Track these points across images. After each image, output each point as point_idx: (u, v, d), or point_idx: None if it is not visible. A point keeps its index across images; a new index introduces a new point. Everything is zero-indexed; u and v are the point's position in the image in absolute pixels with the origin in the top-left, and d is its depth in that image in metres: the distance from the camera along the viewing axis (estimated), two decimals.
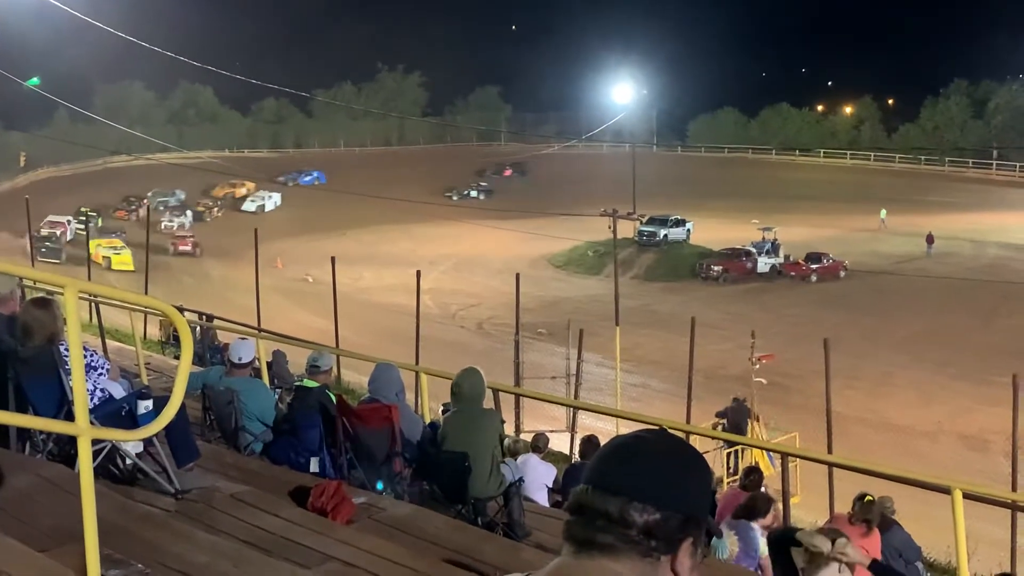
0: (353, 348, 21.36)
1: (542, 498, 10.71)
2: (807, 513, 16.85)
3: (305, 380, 9.70)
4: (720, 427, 21.89)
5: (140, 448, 6.55)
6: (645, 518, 1.81)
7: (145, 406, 6.54)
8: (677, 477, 1.85)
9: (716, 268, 57.46)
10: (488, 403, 9.68)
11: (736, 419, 22.71)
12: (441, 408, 10.63)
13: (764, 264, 57.89)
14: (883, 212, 71.36)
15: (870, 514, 8.69)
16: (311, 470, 8.44)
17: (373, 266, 56.86)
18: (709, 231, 64.26)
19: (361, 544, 6.00)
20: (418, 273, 25.53)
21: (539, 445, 12.40)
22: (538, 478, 10.84)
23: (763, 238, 59.78)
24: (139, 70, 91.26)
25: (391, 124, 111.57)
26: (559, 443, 20.52)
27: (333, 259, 28.01)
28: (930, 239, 63.32)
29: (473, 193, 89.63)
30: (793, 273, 56.98)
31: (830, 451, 17.12)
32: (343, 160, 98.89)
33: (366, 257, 59.22)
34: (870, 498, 8.85)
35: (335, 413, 8.58)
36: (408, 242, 66.02)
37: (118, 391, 7.21)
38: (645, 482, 1.83)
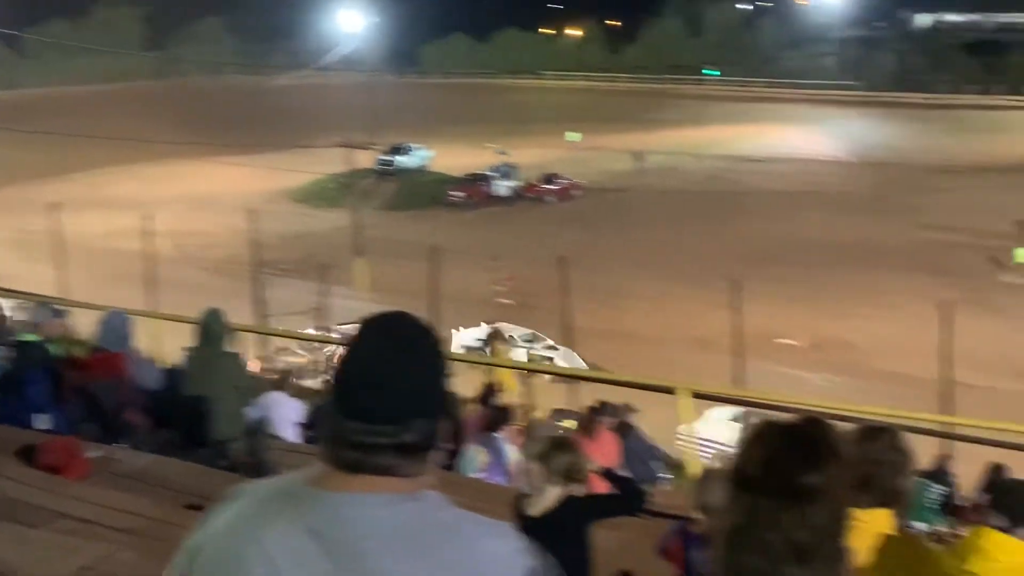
0: (84, 297, 20.37)
1: (291, 435, 10.59)
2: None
3: (25, 335, 9.16)
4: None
5: None
6: (400, 439, 1.80)
7: None
8: (423, 388, 1.84)
9: (457, 195, 57.93)
10: (234, 344, 9.43)
11: (489, 341, 23.14)
12: (183, 352, 10.31)
13: (503, 188, 58.80)
14: (573, 135, 72.34)
15: (595, 421, 9.05)
16: (39, 427, 8.01)
17: (102, 210, 54.14)
18: (448, 158, 64.61)
19: (96, 499, 5.76)
20: (147, 214, 24.51)
21: (286, 382, 12.24)
22: (286, 415, 10.69)
23: (500, 162, 60.63)
24: None
25: (110, 61, 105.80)
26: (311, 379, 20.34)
27: (54, 204, 26.53)
28: (639, 155, 65.63)
29: None
30: (531, 195, 58.20)
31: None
32: (61, 101, 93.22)
33: (94, 202, 56.28)
34: (596, 406, 9.21)
35: (60, 367, 8.16)
36: (137, 183, 63.16)
37: None
38: (395, 404, 1.81)
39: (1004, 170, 57.32)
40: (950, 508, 11.06)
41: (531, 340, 26.92)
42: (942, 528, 10.62)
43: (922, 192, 52.70)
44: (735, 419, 17.43)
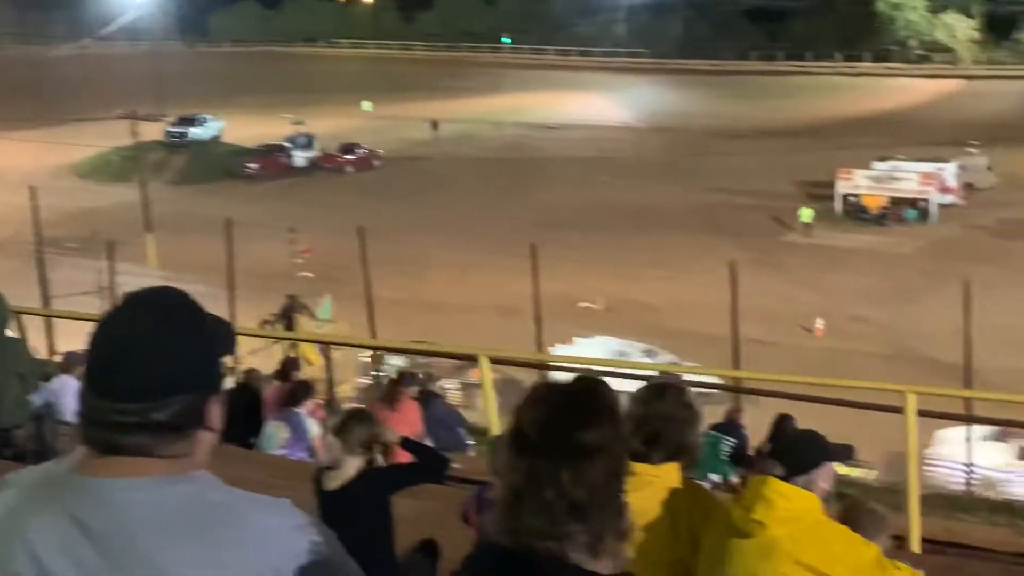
0: None
1: None
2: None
3: None
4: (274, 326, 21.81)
5: None
6: (150, 417, 1.71)
7: None
8: (179, 364, 1.75)
9: (252, 166, 56.65)
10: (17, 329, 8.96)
11: (288, 315, 22.76)
12: None
13: (300, 159, 57.82)
14: (366, 104, 71.77)
15: (397, 391, 9.04)
16: None
17: None
18: (241, 129, 63.00)
19: None
20: None
21: (73, 366, 11.72)
22: (74, 400, 10.25)
23: (296, 132, 59.56)
24: None
25: None
26: None
27: None
28: (436, 124, 65.71)
29: None
30: (329, 165, 57.45)
31: (374, 335, 17.59)
32: None
33: None
34: (393, 377, 9.20)
35: None
36: None
37: None
38: (143, 380, 1.72)
39: (787, 134, 59.98)
40: (741, 459, 11.54)
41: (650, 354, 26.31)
42: (734, 479, 11.10)
43: (710, 156, 54.60)
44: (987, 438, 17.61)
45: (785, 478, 3.53)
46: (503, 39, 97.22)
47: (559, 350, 12.56)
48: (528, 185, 50.24)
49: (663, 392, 3.95)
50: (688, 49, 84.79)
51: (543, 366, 11.95)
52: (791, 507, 3.44)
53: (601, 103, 73.43)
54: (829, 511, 3.68)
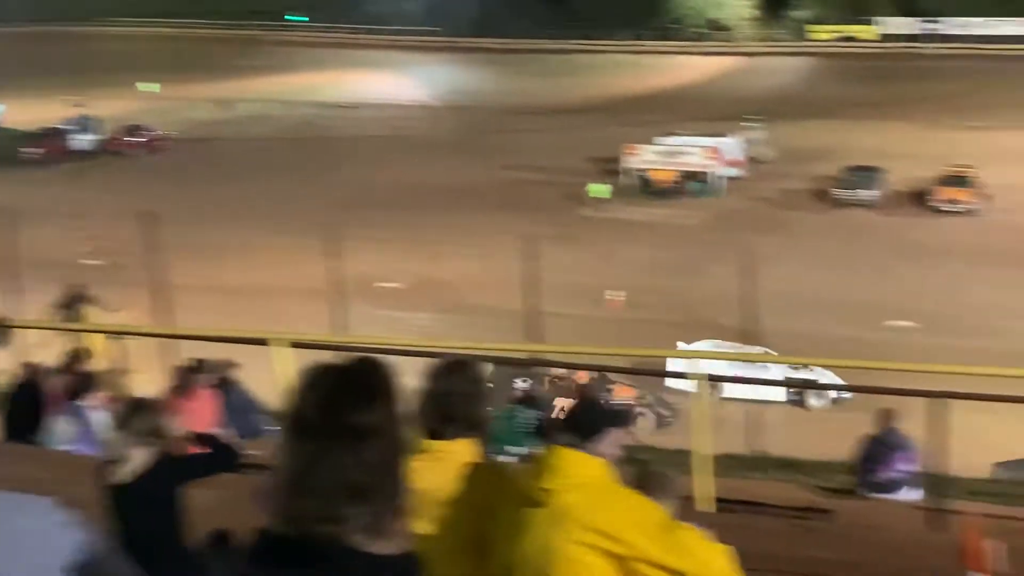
0: None
1: None
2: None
3: None
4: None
5: None
6: None
7: None
8: None
9: (32, 151, 53.87)
10: None
11: (72, 305, 21.79)
12: None
13: (83, 142, 55.34)
14: (149, 85, 69.41)
15: (190, 380, 8.82)
16: None
17: None
18: (18, 112, 59.77)
19: None
20: None
21: None
22: None
23: (77, 115, 56.96)
24: None
25: None
26: None
27: None
28: (226, 104, 64.10)
29: None
30: (115, 149, 55.22)
31: (167, 324, 17.05)
32: None
33: None
34: (186, 366, 8.97)
35: None
36: None
37: None
38: None
39: (579, 111, 61.14)
40: (545, 431, 11.72)
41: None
42: (537, 451, 11.26)
43: (505, 134, 55.18)
44: None
45: (575, 446, 3.61)
46: (288, 16, 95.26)
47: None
48: (324, 165, 49.63)
49: (456, 368, 3.98)
50: (481, 27, 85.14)
51: (341, 348, 11.84)
52: (580, 474, 3.52)
53: (395, 82, 73.05)
54: (622, 475, 3.78)
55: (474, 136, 55.33)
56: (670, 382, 21.03)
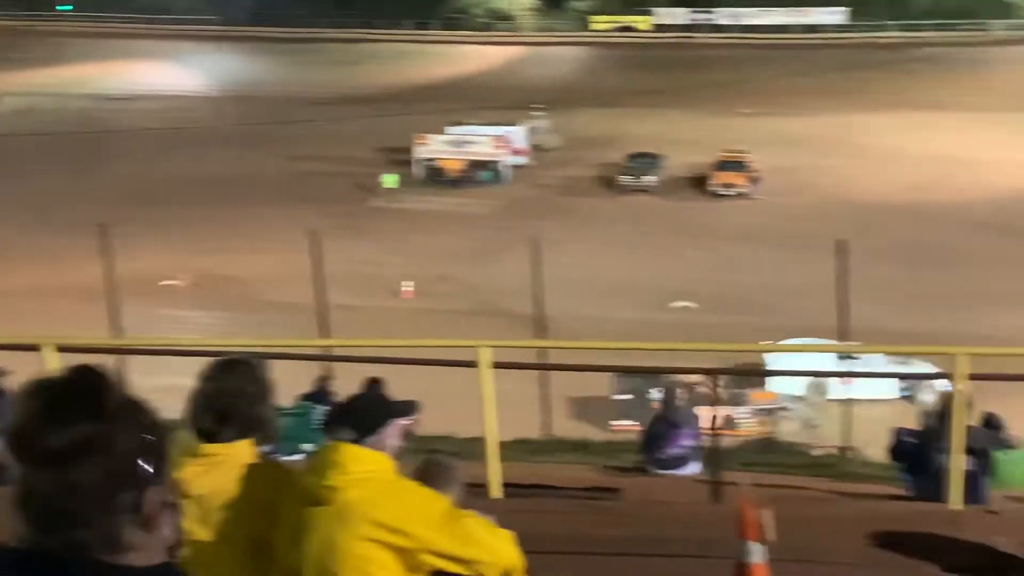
0: None
1: None
2: None
3: None
4: None
5: None
6: None
7: None
8: None
9: None
10: None
11: None
12: None
13: None
14: None
15: None
16: None
17: None
18: None
19: None
20: None
21: None
22: None
23: None
24: None
25: None
26: None
27: None
28: None
29: None
30: None
31: None
32: None
33: None
34: None
35: None
36: None
37: None
38: None
39: (365, 101, 60.66)
40: (328, 427, 11.54)
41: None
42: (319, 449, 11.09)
43: (290, 124, 54.21)
44: None
45: (356, 441, 3.57)
46: (59, 7, 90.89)
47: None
48: (99, 160, 47.59)
49: (232, 368, 3.88)
50: (259, 16, 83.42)
51: (115, 351, 11.40)
52: (363, 469, 3.49)
53: (172, 72, 70.75)
54: (405, 467, 3.77)
55: (258, 127, 54.14)
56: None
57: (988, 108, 54.42)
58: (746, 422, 20.94)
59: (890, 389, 21.31)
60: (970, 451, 7.00)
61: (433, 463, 4.36)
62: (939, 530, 5.83)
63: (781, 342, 17.71)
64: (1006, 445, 9.58)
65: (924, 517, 6.36)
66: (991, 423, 9.63)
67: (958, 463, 6.60)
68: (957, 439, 6.56)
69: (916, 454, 7.75)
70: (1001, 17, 78.09)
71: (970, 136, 49.12)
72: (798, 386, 21.13)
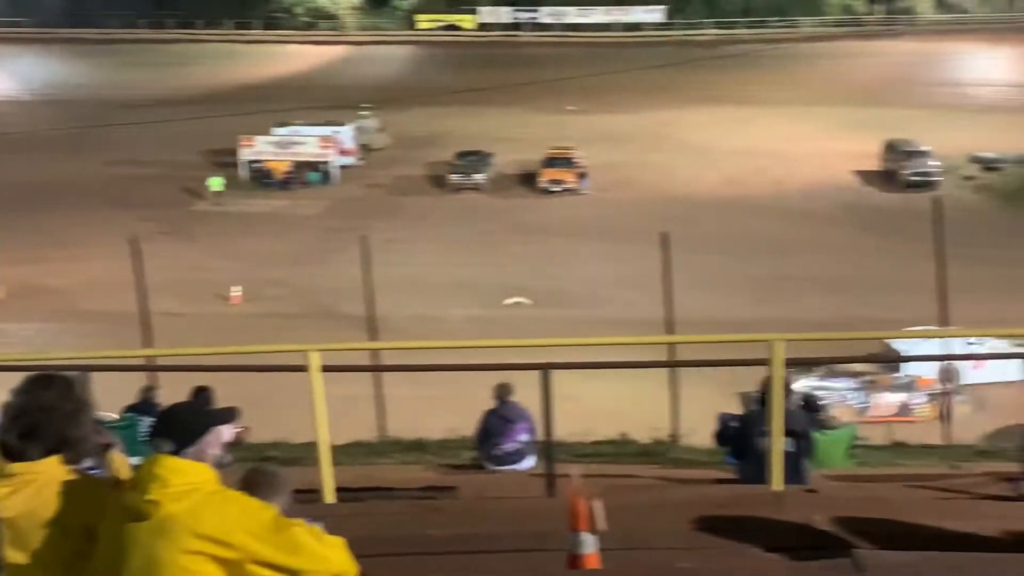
0: None
1: None
2: None
3: None
4: None
5: None
6: None
7: None
8: None
9: None
10: None
11: None
12: None
13: None
14: None
15: None
16: None
17: None
18: None
19: None
20: None
21: None
22: None
23: None
24: None
25: None
26: None
27: None
28: None
29: None
30: None
31: None
32: None
33: None
34: None
35: None
36: None
37: None
38: None
39: (187, 102, 59.13)
40: (151, 439, 11.20)
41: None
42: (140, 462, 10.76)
43: (109, 128, 52.41)
44: None
45: (175, 452, 3.48)
46: None
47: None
48: None
49: (47, 383, 3.74)
50: (74, 17, 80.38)
51: None
52: (184, 481, 3.40)
53: None
54: (229, 477, 3.69)
55: (74, 131, 52.19)
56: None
57: (799, 102, 56.82)
58: (919, 408, 21.56)
59: (1016, 372, 21.16)
60: (790, 433, 7.27)
61: (258, 472, 4.28)
62: (761, 512, 6.04)
63: (909, 328, 17.94)
64: (825, 426, 10.02)
65: (747, 499, 6.57)
66: (810, 405, 10.05)
67: (778, 445, 6.84)
68: (776, 422, 6.79)
69: (739, 438, 8.04)
70: (810, 15, 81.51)
71: (783, 130, 51.14)
72: (930, 372, 21.93)
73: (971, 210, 39.00)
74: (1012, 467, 8.42)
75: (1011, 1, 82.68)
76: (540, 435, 9.02)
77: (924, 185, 42.29)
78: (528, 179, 45.77)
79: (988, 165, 45.79)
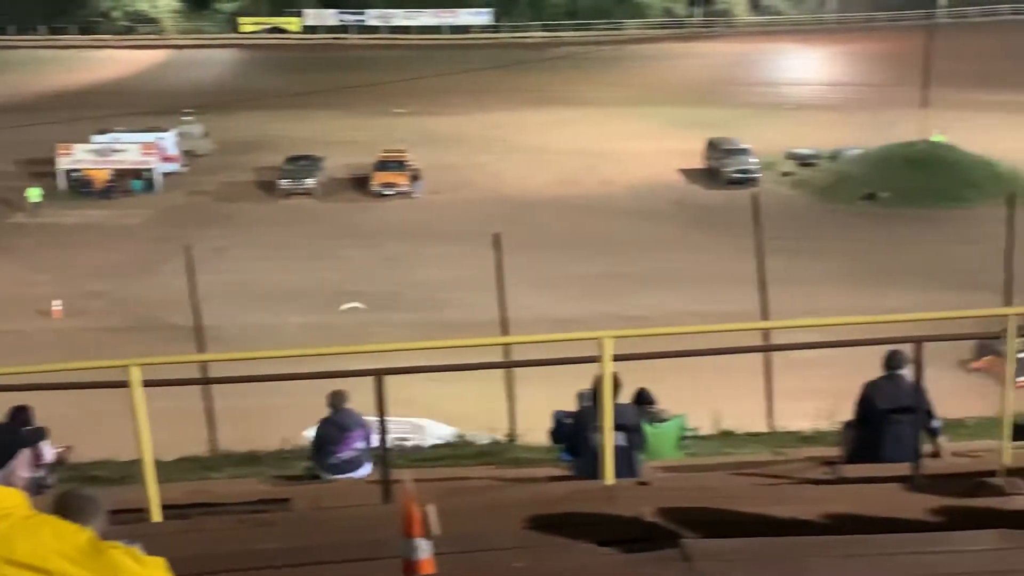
0: None
1: None
2: None
3: None
4: None
5: None
6: None
7: None
8: None
9: None
10: None
11: None
12: None
13: None
14: None
15: None
16: None
17: None
18: None
19: None
20: None
21: None
22: None
23: None
24: None
25: None
26: None
27: None
28: None
29: None
30: None
31: None
32: None
33: None
34: None
35: None
36: None
37: None
38: None
39: (1, 111, 56.48)
40: None
41: None
42: None
43: None
44: None
45: None
46: None
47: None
48: None
49: None
50: None
51: None
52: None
53: None
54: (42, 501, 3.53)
55: None
56: None
57: (626, 103, 58.06)
58: None
59: None
60: (621, 428, 7.39)
61: (70, 495, 4.10)
62: (594, 507, 6.11)
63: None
64: (655, 419, 10.23)
65: (581, 495, 6.64)
66: (642, 399, 10.24)
67: (609, 441, 6.94)
68: (607, 418, 6.89)
69: (573, 435, 8.13)
70: (634, 17, 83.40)
71: (612, 129, 52.16)
72: None
73: (789, 204, 40.58)
74: (832, 451, 8.78)
75: (821, 3, 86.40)
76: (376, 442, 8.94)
77: (745, 182, 43.73)
78: (360, 183, 45.40)
79: (804, 161, 47.68)
